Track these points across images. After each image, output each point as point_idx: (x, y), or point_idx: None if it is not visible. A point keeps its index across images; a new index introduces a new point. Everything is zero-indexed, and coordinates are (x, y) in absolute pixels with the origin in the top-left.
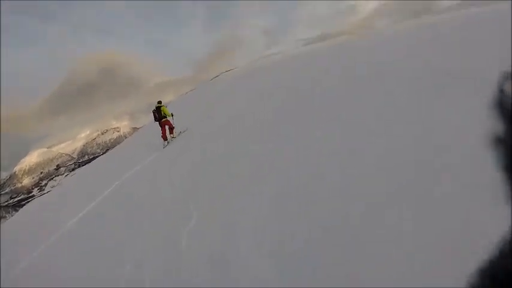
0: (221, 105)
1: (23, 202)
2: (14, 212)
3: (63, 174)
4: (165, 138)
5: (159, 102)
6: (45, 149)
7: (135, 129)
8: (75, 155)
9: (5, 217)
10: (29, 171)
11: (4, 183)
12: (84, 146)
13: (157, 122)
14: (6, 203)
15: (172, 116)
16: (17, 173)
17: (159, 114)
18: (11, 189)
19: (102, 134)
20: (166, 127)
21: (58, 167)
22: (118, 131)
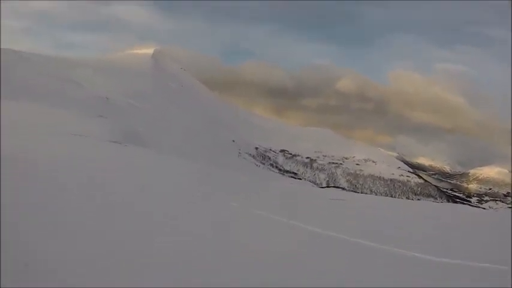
0: None
1: (457, 200)
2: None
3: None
4: None
5: None
6: (507, 172)
7: None
8: None
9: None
10: (480, 181)
11: (453, 175)
12: None
13: None
14: (445, 190)
15: None
16: (470, 174)
17: None
18: (455, 183)
19: None
20: None
21: (508, 194)
22: None
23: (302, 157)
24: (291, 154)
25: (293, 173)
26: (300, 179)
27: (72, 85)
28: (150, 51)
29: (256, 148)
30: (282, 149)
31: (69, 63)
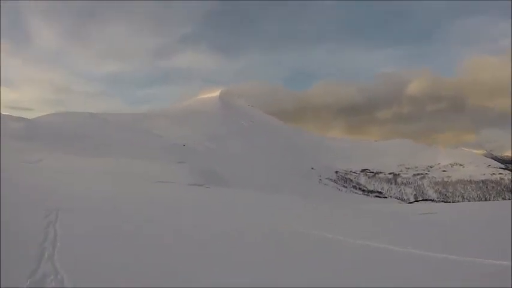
0: None
1: None
2: None
3: None
4: None
5: None
6: None
7: None
8: None
9: None
10: None
11: None
12: None
13: None
14: None
15: None
16: None
17: None
18: None
19: None
20: None
21: None
22: None
23: (385, 173)
24: (372, 172)
25: (378, 192)
26: (386, 197)
27: (150, 136)
28: (216, 93)
29: (336, 172)
30: (362, 168)
31: (144, 117)
